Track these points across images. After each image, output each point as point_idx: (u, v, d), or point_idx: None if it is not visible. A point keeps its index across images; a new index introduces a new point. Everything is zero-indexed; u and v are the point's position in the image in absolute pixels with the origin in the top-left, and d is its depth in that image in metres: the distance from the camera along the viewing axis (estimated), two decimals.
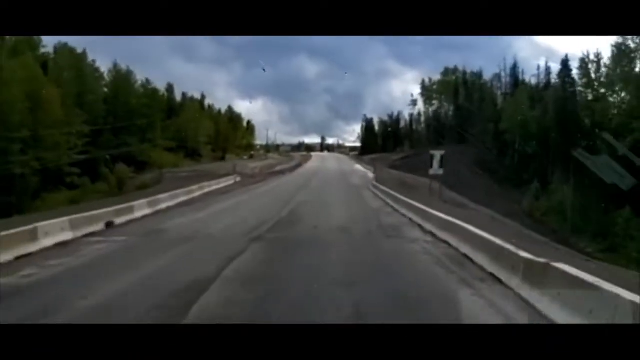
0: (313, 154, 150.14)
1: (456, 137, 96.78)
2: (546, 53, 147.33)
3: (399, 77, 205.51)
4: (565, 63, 64.50)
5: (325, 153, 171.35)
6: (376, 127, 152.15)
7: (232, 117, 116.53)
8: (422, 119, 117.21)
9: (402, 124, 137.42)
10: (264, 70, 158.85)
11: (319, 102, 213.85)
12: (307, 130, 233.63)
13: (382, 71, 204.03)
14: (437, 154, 36.35)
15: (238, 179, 47.04)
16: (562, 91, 66.74)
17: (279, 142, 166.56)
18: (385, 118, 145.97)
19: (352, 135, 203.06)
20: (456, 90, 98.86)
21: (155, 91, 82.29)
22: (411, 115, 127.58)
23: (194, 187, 32.39)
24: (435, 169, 35.57)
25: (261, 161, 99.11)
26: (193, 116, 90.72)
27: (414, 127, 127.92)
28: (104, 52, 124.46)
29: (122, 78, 74.93)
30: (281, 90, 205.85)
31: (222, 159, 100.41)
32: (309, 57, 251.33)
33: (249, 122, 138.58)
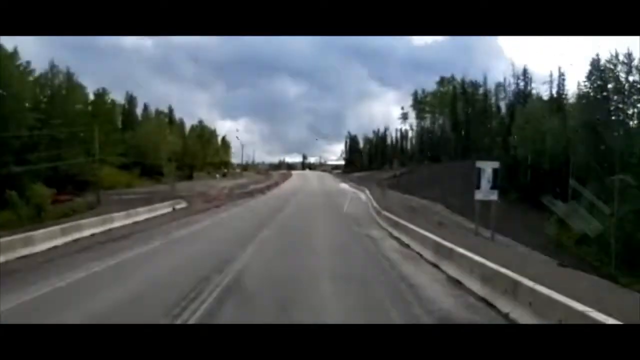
0: (293, 172, 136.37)
1: (453, 154, 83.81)
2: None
3: (380, 98, 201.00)
4: (596, 64, 51.01)
5: (307, 171, 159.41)
6: (360, 144, 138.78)
7: (203, 133, 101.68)
8: (414, 134, 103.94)
9: (389, 141, 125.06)
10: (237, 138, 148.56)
11: (300, 122, 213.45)
12: (289, 150, 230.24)
13: (363, 92, 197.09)
14: (488, 167, 22.65)
15: (180, 205, 32.47)
16: (590, 99, 53.50)
17: (258, 160, 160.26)
18: (371, 135, 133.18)
19: (333, 155, 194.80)
20: (453, 102, 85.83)
21: (101, 98, 67.37)
22: (400, 130, 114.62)
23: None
24: (485, 191, 21.87)
25: (234, 180, 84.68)
26: (153, 130, 75.99)
27: (404, 143, 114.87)
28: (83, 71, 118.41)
29: (60, 82, 59.81)
30: (262, 110, 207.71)
31: (190, 177, 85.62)
32: (291, 78, 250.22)
33: (223, 139, 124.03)
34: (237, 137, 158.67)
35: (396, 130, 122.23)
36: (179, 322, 7.44)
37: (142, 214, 24.43)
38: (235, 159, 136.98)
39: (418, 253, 14.71)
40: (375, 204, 30.28)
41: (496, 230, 37.20)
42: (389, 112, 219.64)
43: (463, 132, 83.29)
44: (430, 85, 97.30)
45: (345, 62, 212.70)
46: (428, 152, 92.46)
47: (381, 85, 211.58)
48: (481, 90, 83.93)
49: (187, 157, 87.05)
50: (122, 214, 22.44)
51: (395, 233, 18.94)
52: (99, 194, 50.00)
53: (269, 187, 62.28)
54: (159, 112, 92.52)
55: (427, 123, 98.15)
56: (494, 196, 22.64)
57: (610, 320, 5.53)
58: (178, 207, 31.41)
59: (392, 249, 16.09)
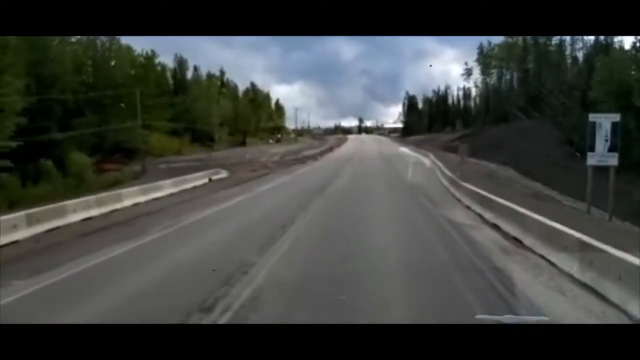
0: (349, 136, 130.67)
1: (525, 112, 75.46)
2: None
3: (438, 57, 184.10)
4: None
5: (363, 135, 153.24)
6: (420, 105, 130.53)
7: (256, 97, 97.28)
8: (478, 91, 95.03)
9: (450, 101, 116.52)
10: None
11: (356, 85, 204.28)
12: (345, 114, 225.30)
13: (420, 51, 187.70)
14: (605, 121, 16.67)
15: (218, 175, 28.14)
16: None
17: (313, 125, 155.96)
18: (430, 95, 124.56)
19: (390, 118, 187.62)
20: (524, 54, 76.60)
21: (149, 60, 63.77)
22: (463, 89, 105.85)
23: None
24: (601, 153, 16.00)
25: (287, 145, 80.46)
26: (204, 94, 72.23)
27: (467, 102, 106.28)
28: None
29: (102, 43, 56.64)
30: (317, 73, 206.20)
31: (242, 143, 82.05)
32: (345, 39, 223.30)
33: (277, 103, 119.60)
34: None
35: (458, 88, 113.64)
36: None
37: (165, 188, 20.12)
38: (290, 124, 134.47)
39: (551, 263, 8.65)
40: (447, 172, 24.61)
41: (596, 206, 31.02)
42: (448, 72, 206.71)
43: (534, 88, 74.27)
44: (494, 39, 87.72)
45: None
46: (494, 111, 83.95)
47: (439, 43, 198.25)
48: (555, 41, 74.30)
49: (240, 122, 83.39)
50: (135, 189, 18.16)
51: (488, 215, 13.56)
52: (144, 163, 46.72)
53: (322, 153, 57.56)
54: (210, 76, 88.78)
55: (493, 79, 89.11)
56: (613, 160, 16.65)
57: None
58: (216, 177, 27.07)
59: (499, 250, 10.05)
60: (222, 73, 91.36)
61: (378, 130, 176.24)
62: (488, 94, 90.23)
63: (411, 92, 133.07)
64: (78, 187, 36.74)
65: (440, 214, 15.13)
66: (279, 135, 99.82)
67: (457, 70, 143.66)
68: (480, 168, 41.08)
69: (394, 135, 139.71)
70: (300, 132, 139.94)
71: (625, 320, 6.05)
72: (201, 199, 19.48)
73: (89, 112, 53.91)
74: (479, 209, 14.59)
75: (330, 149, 65.64)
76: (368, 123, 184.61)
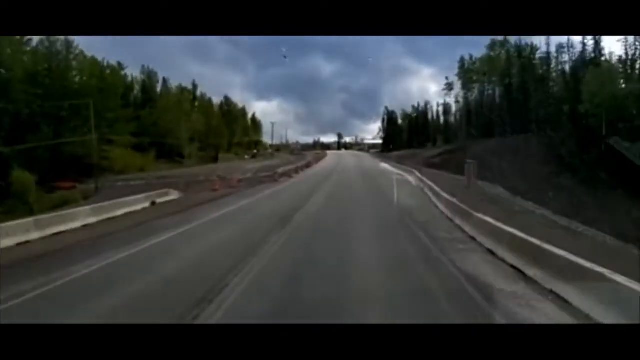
0: (328, 152, 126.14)
1: (509, 127, 71.83)
2: None
3: (416, 75, 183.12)
4: None
5: (343, 151, 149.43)
6: (399, 121, 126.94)
7: (230, 111, 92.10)
8: (459, 106, 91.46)
9: (430, 116, 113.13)
10: (284, 57, 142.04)
11: (335, 101, 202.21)
12: (324, 130, 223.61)
13: (398, 68, 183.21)
14: None
15: (166, 198, 22.80)
16: None
17: (292, 140, 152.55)
18: (409, 111, 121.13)
19: (370, 134, 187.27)
20: (507, 67, 73.17)
21: (114, 71, 58.48)
22: (443, 104, 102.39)
23: None
24: None
25: (263, 161, 75.45)
26: (173, 106, 66.98)
27: (447, 118, 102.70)
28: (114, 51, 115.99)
29: (60, 52, 51.30)
30: (296, 90, 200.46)
31: (215, 159, 76.71)
32: (324, 56, 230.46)
33: (254, 118, 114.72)
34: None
35: (438, 104, 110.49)
36: None
37: (80, 218, 14.86)
38: (268, 140, 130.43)
39: None
40: (444, 194, 19.84)
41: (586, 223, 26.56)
42: (426, 89, 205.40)
43: (518, 102, 70.77)
44: (476, 52, 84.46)
45: (379, 38, 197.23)
46: (477, 126, 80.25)
47: (417, 62, 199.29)
48: (540, 54, 71.02)
49: (212, 137, 78.08)
50: (28, 221, 12.89)
51: (533, 272, 8.47)
52: (97, 181, 41.11)
53: (298, 170, 52.69)
54: (182, 89, 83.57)
55: (475, 94, 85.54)
56: None
57: None
58: (162, 200, 21.82)
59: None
60: (195, 86, 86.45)
61: (357, 146, 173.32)
62: (470, 108, 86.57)
63: (390, 108, 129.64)
64: (15, 210, 31.30)
65: (457, 268, 9.68)
66: (255, 151, 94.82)
67: (434, 88, 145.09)
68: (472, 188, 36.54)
69: (373, 151, 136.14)
70: (278, 148, 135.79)
71: None
72: (116, 235, 13.99)
73: (44, 125, 48.41)
74: (511, 257, 9.70)
75: (308, 165, 60.79)
76: (347, 139, 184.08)
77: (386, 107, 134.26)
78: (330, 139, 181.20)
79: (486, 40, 76.97)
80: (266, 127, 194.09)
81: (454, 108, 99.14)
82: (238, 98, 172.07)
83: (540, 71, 70.24)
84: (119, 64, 67.33)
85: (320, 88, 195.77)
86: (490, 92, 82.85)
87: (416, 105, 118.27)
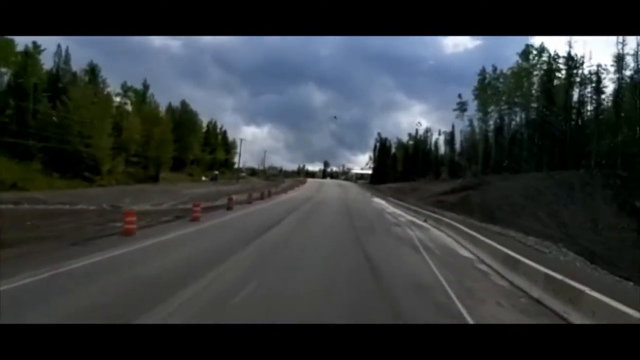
0: (310, 179, 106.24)
1: (544, 160, 52.81)
2: None
3: (406, 110, 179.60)
4: None
5: (327, 179, 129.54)
6: (393, 150, 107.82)
7: (185, 120, 71.55)
8: (471, 132, 72.31)
9: (431, 146, 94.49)
10: (335, 117, 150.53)
11: (325, 131, 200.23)
12: (312, 158, 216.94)
13: (389, 102, 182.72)
14: None
15: None
16: None
17: (271, 164, 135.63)
18: (406, 139, 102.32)
19: (357, 165, 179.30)
20: (547, 81, 54.30)
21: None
22: (451, 133, 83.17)
23: None
24: None
25: (222, 186, 55.36)
26: (87, 104, 46.70)
27: (450, 147, 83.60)
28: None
29: None
30: (287, 117, 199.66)
31: (154, 179, 56.13)
32: (316, 85, 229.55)
33: (225, 135, 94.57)
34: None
35: (440, 132, 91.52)
36: None
37: None
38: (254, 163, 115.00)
39: None
40: None
41: None
42: (415, 127, 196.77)
43: (561, 128, 51.76)
44: (500, 66, 66.07)
45: (372, 71, 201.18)
46: (497, 157, 60.99)
47: (408, 97, 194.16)
48: (588, 66, 52.44)
49: (152, 150, 57.36)
50: None
51: None
52: None
53: (251, 200, 32.58)
54: (127, 89, 63.59)
55: (495, 116, 66.61)
56: None
57: None
58: None
59: None
60: (146, 87, 66.29)
61: (344, 175, 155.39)
62: (488, 136, 67.49)
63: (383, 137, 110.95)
64: None
65: None
66: (216, 172, 74.22)
67: (425, 124, 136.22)
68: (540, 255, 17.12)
69: (361, 181, 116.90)
70: (253, 172, 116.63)
71: None
72: None
73: None
74: None
75: (271, 194, 40.52)
76: (334, 168, 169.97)
77: (379, 134, 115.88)
78: (317, 167, 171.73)
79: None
80: (254, 152, 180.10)
81: (458, 136, 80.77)
82: (229, 121, 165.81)
83: (589, 88, 51.58)
84: (35, 44, 47.91)
85: (310, 117, 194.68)
86: (520, 116, 63.86)
87: (414, 133, 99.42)
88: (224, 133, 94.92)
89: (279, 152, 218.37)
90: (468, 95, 71.78)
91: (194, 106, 75.83)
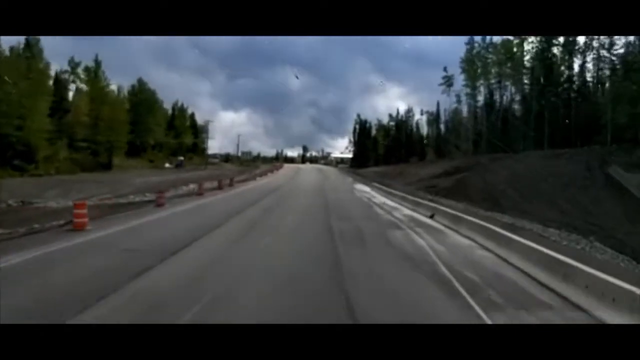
0: (287, 165, 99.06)
1: (541, 134, 46.79)
2: None
3: (384, 93, 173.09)
4: None
5: (306, 165, 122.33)
6: (373, 132, 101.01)
7: (142, 100, 63.20)
8: (464, 109, 65.82)
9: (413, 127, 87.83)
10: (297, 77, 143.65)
11: (303, 115, 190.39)
12: (292, 143, 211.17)
13: (367, 86, 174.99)
14: None
15: None
16: None
17: (249, 150, 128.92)
18: (385, 120, 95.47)
19: (337, 149, 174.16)
20: (547, 48, 48.01)
21: None
22: (433, 112, 76.81)
23: None
24: None
25: (186, 172, 48.39)
26: (15, 77, 38.64)
27: (434, 128, 77.20)
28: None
29: None
30: (265, 102, 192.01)
31: (106, 166, 48.55)
32: (291, 69, 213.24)
33: (193, 117, 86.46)
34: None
35: (422, 111, 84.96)
36: None
37: None
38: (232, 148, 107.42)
39: None
40: None
41: None
42: (393, 109, 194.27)
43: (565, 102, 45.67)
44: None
45: (349, 54, 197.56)
46: (492, 135, 54.77)
47: (386, 80, 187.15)
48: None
49: (103, 134, 49.50)
50: None
51: None
52: None
53: (202, 192, 25.76)
54: (74, 64, 55.41)
55: (485, 92, 60.24)
56: None
57: None
58: None
59: None
60: (98, 63, 57.72)
61: (323, 159, 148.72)
62: (476, 113, 61.18)
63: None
64: None
65: None
66: (181, 158, 66.55)
67: (402, 107, 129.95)
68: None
69: (342, 166, 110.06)
70: (227, 158, 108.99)
71: None
72: None
73: None
74: None
75: (230, 183, 33.51)
76: (313, 152, 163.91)
77: (358, 115, 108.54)
78: (296, 152, 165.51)
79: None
80: (232, 138, 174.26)
81: (444, 116, 74.33)
82: (206, 106, 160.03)
83: (593, 54, 45.41)
84: None
85: (288, 101, 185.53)
86: (512, 90, 57.69)
87: (395, 114, 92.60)
88: (192, 116, 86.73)
89: (258, 137, 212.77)
90: (454, 70, 65.35)
91: (168, 92, 67.85)
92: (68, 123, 47.67)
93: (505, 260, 9.52)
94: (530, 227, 22.78)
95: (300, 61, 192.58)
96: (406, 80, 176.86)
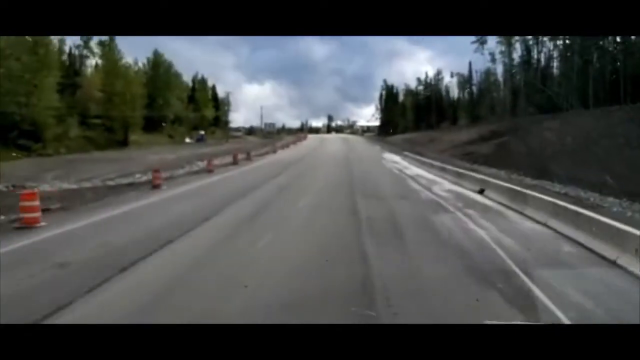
0: (311, 135, 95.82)
1: (585, 92, 42.13)
2: None
3: (410, 58, 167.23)
4: None
5: (332, 134, 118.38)
6: (401, 98, 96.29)
7: (159, 72, 60.49)
8: (498, 69, 60.86)
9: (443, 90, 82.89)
10: None
11: (328, 85, 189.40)
12: (317, 114, 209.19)
13: (393, 52, 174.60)
14: None
15: None
16: None
17: (273, 122, 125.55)
18: (413, 85, 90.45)
19: (363, 118, 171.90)
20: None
21: None
22: (467, 73, 71.74)
23: None
24: None
25: (205, 148, 46.19)
26: (20, 54, 36.46)
27: (473, 88, 72.12)
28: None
29: None
30: (289, 73, 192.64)
31: (123, 143, 46.48)
32: (317, 38, 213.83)
33: (214, 89, 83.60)
34: None
35: (452, 74, 79.66)
36: None
37: None
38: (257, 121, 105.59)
39: None
40: None
41: None
42: (421, 74, 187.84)
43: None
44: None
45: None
46: (529, 97, 50.10)
47: (411, 44, 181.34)
48: None
49: (116, 109, 47.10)
50: None
51: None
52: None
53: (212, 169, 23.17)
54: (87, 38, 52.96)
55: (520, 50, 55.21)
56: None
57: None
58: None
59: None
60: (112, 40, 54.80)
61: (349, 128, 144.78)
62: (514, 73, 56.30)
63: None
64: None
65: None
66: (202, 132, 63.99)
67: (431, 71, 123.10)
68: None
69: (368, 134, 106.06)
70: (250, 131, 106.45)
71: None
72: None
73: None
74: None
75: (247, 157, 30.66)
76: (339, 122, 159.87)
77: (384, 81, 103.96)
78: (321, 122, 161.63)
79: None
80: (257, 110, 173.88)
81: (475, 77, 69.27)
82: (230, 79, 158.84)
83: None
84: None
85: (312, 71, 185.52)
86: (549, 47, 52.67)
87: (423, 77, 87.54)
88: (213, 88, 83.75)
89: (282, 109, 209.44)
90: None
91: (191, 65, 65.24)
92: (80, 99, 45.35)
93: (615, 264, 6.26)
94: (585, 195, 19.32)
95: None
96: (434, 43, 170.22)
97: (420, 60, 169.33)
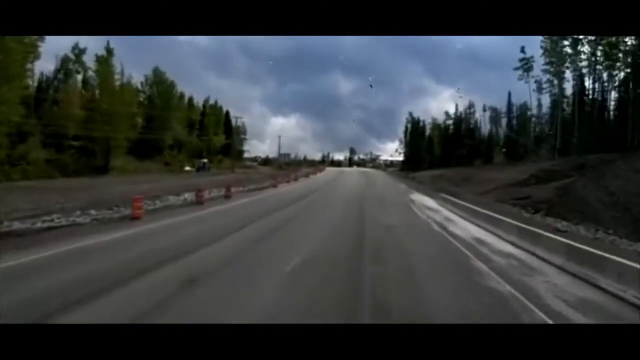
0: (331, 168, 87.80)
1: None
2: None
3: (436, 96, 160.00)
4: None
5: (353, 168, 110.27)
6: (427, 132, 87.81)
7: (163, 91, 53.40)
8: (544, 100, 52.22)
9: (473, 125, 74.20)
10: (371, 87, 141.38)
11: (351, 119, 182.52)
12: (340, 147, 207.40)
13: (418, 89, 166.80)
14: None
15: None
16: None
17: (290, 152, 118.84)
18: (441, 120, 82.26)
19: (386, 153, 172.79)
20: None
21: None
22: (491, 108, 63.21)
23: None
24: None
25: (203, 178, 38.25)
26: None
27: (513, 122, 63.24)
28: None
29: None
30: (314, 106, 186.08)
31: (102, 170, 39.04)
32: (343, 73, 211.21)
33: (227, 115, 76.46)
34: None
35: (485, 107, 71.00)
36: None
37: None
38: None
39: None
40: None
41: None
42: (443, 110, 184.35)
43: None
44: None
45: (398, 56, 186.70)
46: (587, 132, 41.19)
47: (437, 83, 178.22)
48: None
49: (99, 128, 39.81)
50: None
51: None
52: None
53: (203, 202, 14.82)
54: (79, 51, 46.66)
55: (570, 79, 46.57)
56: None
57: None
58: None
59: None
60: (110, 52, 48.14)
61: (372, 162, 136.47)
62: (562, 103, 47.51)
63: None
64: None
65: None
66: (204, 161, 56.32)
67: (453, 110, 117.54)
68: None
69: (391, 169, 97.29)
70: (266, 161, 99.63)
71: None
72: None
73: None
74: None
75: (228, 192, 22.70)
76: (362, 156, 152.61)
77: (410, 114, 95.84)
78: (343, 155, 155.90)
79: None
80: (283, 142, 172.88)
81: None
82: (256, 112, 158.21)
83: None
84: None
85: (337, 106, 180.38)
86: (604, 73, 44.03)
87: (454, 111, 79.06)
88: (227, 115, 76.49)
89: (306, 141, 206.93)
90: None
91: (220, 98, 58.60)
92: (57, 117, 38.29)
93: None
94: None
95: (349, 65, 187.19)
96: (459, 82, 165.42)
97: (445, 99, 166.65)
